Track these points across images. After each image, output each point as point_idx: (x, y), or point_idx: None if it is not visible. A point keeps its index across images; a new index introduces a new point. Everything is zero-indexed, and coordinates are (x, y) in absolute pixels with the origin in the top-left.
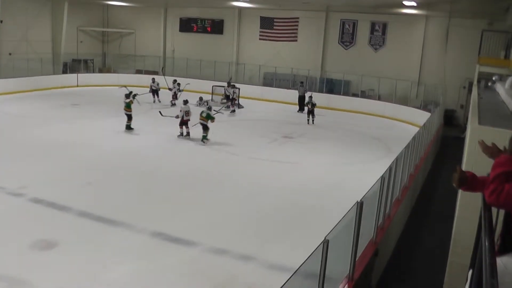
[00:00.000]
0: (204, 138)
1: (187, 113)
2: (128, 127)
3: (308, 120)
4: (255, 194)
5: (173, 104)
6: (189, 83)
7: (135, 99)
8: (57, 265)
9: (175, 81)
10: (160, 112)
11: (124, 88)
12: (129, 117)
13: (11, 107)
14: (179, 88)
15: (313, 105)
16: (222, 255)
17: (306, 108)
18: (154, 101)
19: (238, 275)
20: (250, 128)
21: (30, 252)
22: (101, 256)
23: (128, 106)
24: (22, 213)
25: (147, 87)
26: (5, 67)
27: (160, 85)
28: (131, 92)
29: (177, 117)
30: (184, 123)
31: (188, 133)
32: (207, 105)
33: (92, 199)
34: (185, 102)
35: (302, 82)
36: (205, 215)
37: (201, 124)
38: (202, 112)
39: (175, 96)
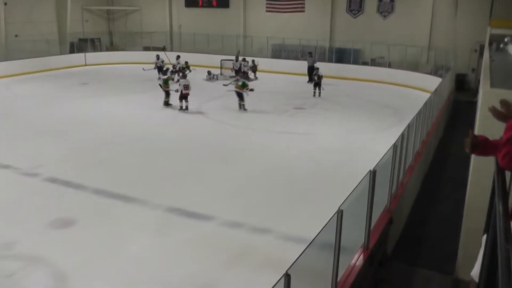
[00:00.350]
0: (242, 106)
1: (186, 87)
2: (166, 103)
3: (314, 92)
4: (269, 166)
5: (177, 80)
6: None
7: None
8: (75, 243)
9: (178, 56)
10: (160, 85)
11: (150, 68)
12: (167, 94)
13: (20, 89)
14: (186, 65)
15: (320, 77)
16: (238, 228)
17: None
18: (159, 78)
19: (254, 248)
20: (261, 101)
21: (48, 231)
22: (118, 232)
23: (165, 82)
24: (38, 192)
25: (153, 63)
26: (12, 49)
27: (165, 62)
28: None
29: (176, 91)
30: (183, 97)
31: (187, 107)
32: (217, 79)
33: (106, 176)
34: (184, 76)
35: (310, 53)
36: (220, 189)
37: (236, 92)
38: (238, 80)
39: (177, 72)
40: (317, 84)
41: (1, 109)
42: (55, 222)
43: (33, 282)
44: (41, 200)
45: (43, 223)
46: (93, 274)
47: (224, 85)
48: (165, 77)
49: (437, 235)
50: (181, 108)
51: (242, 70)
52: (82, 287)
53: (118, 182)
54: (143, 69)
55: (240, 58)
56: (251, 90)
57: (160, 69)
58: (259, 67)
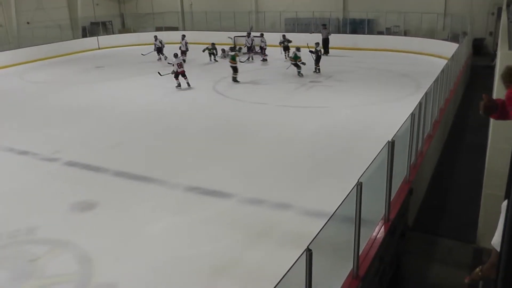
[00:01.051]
0: (299, 73)
1: (180, 65)
2: (235, 79)
3: (315, 69)
4: (287, 141)
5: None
6: (230, 37)
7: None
8: (98, 225)
9: (184, 36)
10: (159, 72)
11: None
12: (235, 70)
13: (35, 75)
14: (213, 47)
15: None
16: (259, 204)
17: (315, 55)
18: (159, 59)
19: (275, 224)
20: (276, 76)
21: (70, 215)
22: (139, 213)
23: (233, 59)
24: (58, 177)
25: (168, 43)
26: (24, 37)
27: (164, 42)
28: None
29: (173, 72)
30: (179, 74)
31: (188, 84)
32: (228, 55)
33: (125, 158)
34: (175, 55)
35: (324, 24)
36: (238, 166)
37: (292, 64)
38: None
39: (183, 53)
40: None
41: (17, 97)
42: (76, 206)
43: (58, 266)
44: (62, 184)
45: (64, 207)
46: (117, 255)
47: (240, 61)
48: (233, 53)
49: (458, 203)
50: (178, 85)
51: (259, 46)
52: (106, 269)
53: (137, 163)
54: (142, 54)
55: (253, 34)
56: (303, 63)
57: (160, 50)
58: (272, 42)
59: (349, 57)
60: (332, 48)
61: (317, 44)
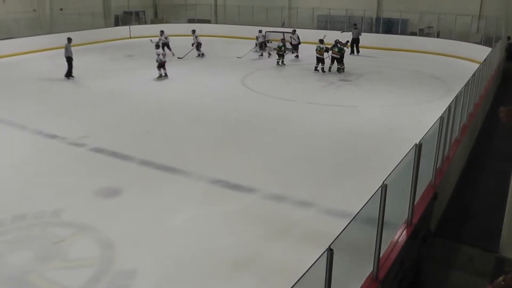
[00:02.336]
0: (340, 69)
1: (164, 55)
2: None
3: (330, 67)
4: (312, 138)
5: (199, 55)
6: (325, 35)
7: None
8: (122, 212)
9: (193, 31)
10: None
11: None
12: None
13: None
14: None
15: (341, 49)
16: (281, 201)
17: (328, 54)
18: (164, 55)
19: (297, 221)
20: (306, 73)
21: (95, 200)
22: (163, 203)
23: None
24: (85, 162)
25: (200, 36)
26: (57, 23)
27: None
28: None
29: (157, 61)
30: (162, 65)
31: (166, 74)
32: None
33: (152, 147)
34: (157, 46)
35: (355, 24)
36: (263, 161)
37: (334, 57)
38: (334, 47)
39: (197, 47)
40: (338, 59)
41: (47, 81)
42: (101, 191)
43: (80, 249)
44: (88, 169)
45: (90, 192)
46: (138, 243)
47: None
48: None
49: (482, 211)
50: (160, 76)
51: (290, 42)
52: (127, 255)
53: (163, 153)
54: (151, 40)
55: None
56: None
57: (166, 45)
58: (304, 39)
59: (381, 57)
60: (364, 47)
61: (347, 42)
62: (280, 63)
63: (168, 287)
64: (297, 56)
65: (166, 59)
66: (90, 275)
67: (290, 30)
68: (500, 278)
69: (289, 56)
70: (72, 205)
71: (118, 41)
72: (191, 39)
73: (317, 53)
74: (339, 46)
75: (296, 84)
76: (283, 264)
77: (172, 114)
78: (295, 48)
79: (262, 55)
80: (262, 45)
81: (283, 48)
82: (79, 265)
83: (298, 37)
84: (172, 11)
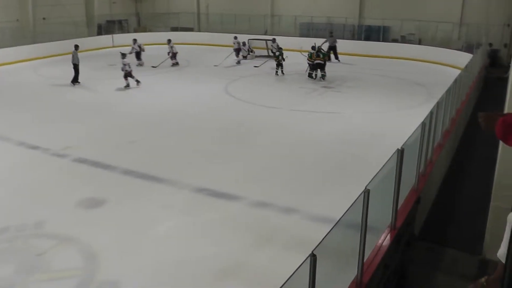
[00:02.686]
0: (324, 76)
1: (129, 65)
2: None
3: (315, 74)
4: (297, 146)
5: (174, 64)
6: (301, 46)
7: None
8: (105, 222)
9: (169, 40)
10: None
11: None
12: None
13: (49, 71)
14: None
15: (324, 55)
16: (266, 208)
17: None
18: (138, 64)
19: (281, 228)
20: (289, 80)
21: (77, 211)
22: (147, 213)
23: (310, 57)
24: (68, 173)
25: (183, 44)
26: (40, 32)
27: (143, 46)
28: None
29: (122, 69)
30: (128, 74)
31: (137, 81)
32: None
33: (135, 157)
34: (123, 55)
35: (331, 32)
36: (248, 169)
37: (319, 63)
38: (319, 53)
39: (173, 56)
40: (319, 66)
41: (30, 92)
42: (84, 202)
43: (63, 261)
44: (70, 180)
45: (72, 203)
46: (122, 254)
47: (255, 66)
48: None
49: (466, 214)
50: (127, 85)
51: (271, 50)
52: (111, 266)
53: (146, 162)
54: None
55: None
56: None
57: (138, 54)
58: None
59: (363, 64)
60: (347, 54)
61: (280, 49)
62: (278, 73)
63: None
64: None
65: (142, 67)
66: (74, 286)
67: (270, 38)
68: (483, 279)
69: (270, 64)
70: (55, 216)
71: (101, 50)
72: (167, 48)
73: (310, 60)
74: (323, 52)
75: (279, 91)
76: (268, 272)
77: (156, 123)
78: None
79: (239, 62)
80: (238, 52)
81: (280, 57)
82: (63, 276)
83: (278, 46)
84: (155, 19)
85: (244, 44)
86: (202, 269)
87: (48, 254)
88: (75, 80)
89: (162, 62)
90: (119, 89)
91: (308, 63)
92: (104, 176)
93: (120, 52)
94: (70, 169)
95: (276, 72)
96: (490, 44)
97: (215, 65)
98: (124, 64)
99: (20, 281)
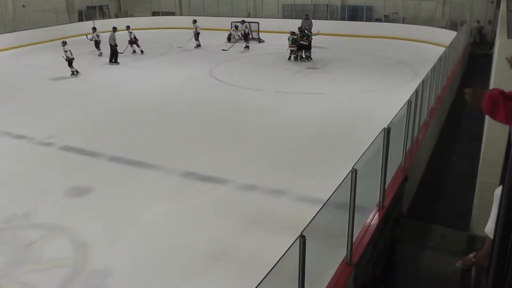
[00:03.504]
0: (309, 56)
1: (70, 52)
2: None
3: (300, 56)
4: (283, 128)
5: (134, 51)
6: (319, 31)
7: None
8: (94, 210)
9: (128, 27)
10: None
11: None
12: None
13: (30, 59)
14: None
15: (308, 36)
16: (254, 191)
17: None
18: (100, 54)
19: (270, 210)
20: (273, 62)
21: (65, 200)
22: (135, 199)
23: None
24: (54, 161)
25: (165, 28)
26: (20, 20)
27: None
28: None
29: (66, 59)
30: (70, 63)
31: (76, 72)
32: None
33: (121, 144)
34: (64, 43)
35: (307, 15)
36: (234, 152)
37: (303, 45)
38: (303, 34)
39: (134, 42)
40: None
41: (12, 81)
42: (72, 191)
43: (53, 251)
44: (57, 169)
45: (60, 192)
46: (112, 241)
47: (223, 50)
48: (294, 37)
49: (453, 191)
50: (72, 73)
51: (244, 33)
52: (101, 254)
53: (133, 149)
54: (87, 37)
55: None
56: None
57: (97, 44)
58: (270, 29)
59: (347, 44)
60: (330, 35)
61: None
62: (299, 58)
63: (143, 284)
64: (247, 47)
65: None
66: (65, 275)
67: (254, 20)
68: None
69: (253, 47)
70: (43, 206)
71: (82, 36)
72: (126, 34)
73: (301, 40)
74: (307, 33)
75: (264, 73)
76: (258, 254)
77: (140, 109)
78: (245, 38)
79: (199, 45)
80: (196, 36)
81: (298, 40)
82: (53, 266)
83: (248, 27)
84: (136, 4)
85: (237, 27)
86: (192, 253)
87: (37, 244)
88: (115, 60)
89: (124, 48)
90: (103, 77)
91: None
92: (91, 163)
93: (62, 41)
94: (57, 158)
95: (299, 56)
96: (478, 21)
97: (179, 47)
98: (65, 51)
99: (10, 272)
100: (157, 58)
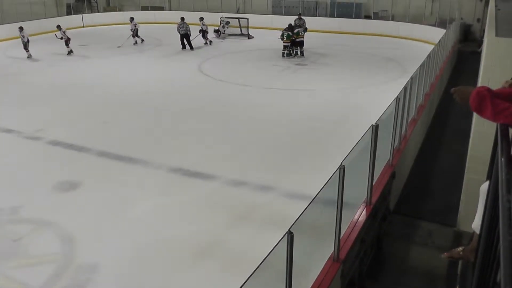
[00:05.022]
0: (302, 52)
1: (26, 37)
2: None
3: (294, 52)
4: (271, 124)
5: (136, 42)
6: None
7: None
8: (81, 205)
9: (132, 18)
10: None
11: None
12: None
13: (18, 52)
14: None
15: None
16: (241, 186)
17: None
18: (69, 52)
19: (257, 206)
20: (262, 58)
21: (53, 194)
22: (122, 194)
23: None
24: (42, 156)
25: (154, 23)
26: (8, 13)
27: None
28: None
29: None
30: (25, 46)
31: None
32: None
33: (109, 138)
34: (21, 29)
35: (300, 14)
36: (222, 148)
37: (300, 41)
38: (297, 32)
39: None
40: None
41: (0, 74)
42: (59, 185)
43: (40, 245)
44: (45, 163)
45: (48, 186)
46: (99, 236)
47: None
48: (290, 32)
49: (440, 188)
50: (68, 53)
51: (202, 29)
52: (89, 249)
53: (120, 143)
54: (56, 35)
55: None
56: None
57: (66, 42)
58: (260, 25)
59: (336, 41)
60: (320, 31)
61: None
62: (293, 53)
63: (131, 279)
64: (206, 43)
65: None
66: (52, 271)
67: (243, 16)
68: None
69: (240, 42)
70: (31, 200)
71: (71, 30)
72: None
73: (296, 37)
74: (297, 30)
75: (253, 69)
76: (246, 250)
77: (128, 104)
78: (203, 35)
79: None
80: (204, 34)
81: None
82: (40, 261)
83: (204, 24)
84: None
85: (228, 23)
86: (180, 248)
87: (25, 239)
88: (191, 47)
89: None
90: (91, 70)
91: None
92: (79, 158)
93: (59, 38)
94: (45, 152)
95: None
96: (462, 18)
97: (118, 46)
98: (23, 36)
99: None
100: (145, 52)
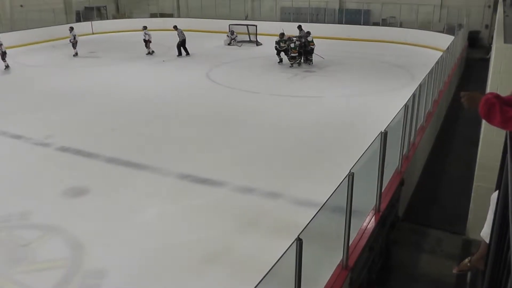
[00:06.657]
0: (310, 61)
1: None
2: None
3: (307, 59)
4: (279, 130)
5: (149, 53)
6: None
7: None
8: (90, 211)
9: (145, 27)
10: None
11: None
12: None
13: (28, 59)
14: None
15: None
16: (249, 193)
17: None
18: (75, 54)
19: (266, 212)
20: (270, 65)
21: (62, 200)
22: (131, 200)
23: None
24: (51, 162)
25: (163, 30)
26: (17, 20)
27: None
28: None
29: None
30: (3, 55)
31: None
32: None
33: (118, 145)
34: (71, 29)
35: (300, 25)
36: (230, 154)
37: (312, 49)
38: (293, 46)
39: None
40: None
41: (10, 80)
42: (69, 191)
43: (49, 252)
44: (54, 169)
45: (57, 192)
46: (108, 242)
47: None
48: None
49: (449, 195)
50: (7, 66)
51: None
52: (97, 255)
53: (130, 150)
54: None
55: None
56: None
57: (74, 45)
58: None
59: (344, 48)
60: (328, 38)
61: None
62: (298, 63)
63: (139, 285)
64: (149, 53)
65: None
66: (60, 276)
67: (252, 23)
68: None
69: (250, 49)
70: (40, 206)
71: (81, 37)
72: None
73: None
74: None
75: (261, 76)
76: (254, 256)
77: (137, 110)
78: (146, 45)
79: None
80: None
81: (297, 48)
82: (49, 267)
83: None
84: (134, 5)
85: (232, 32)
86: (188, 255)
87: (33, 244)
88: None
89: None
90: (99, 77)
91: (298, 51)
92: (87, 164)
93: (70, 27)
94: (54, 158)
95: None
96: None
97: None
98: (73, 36)
99: (5, 272)
100: (154, 59)
